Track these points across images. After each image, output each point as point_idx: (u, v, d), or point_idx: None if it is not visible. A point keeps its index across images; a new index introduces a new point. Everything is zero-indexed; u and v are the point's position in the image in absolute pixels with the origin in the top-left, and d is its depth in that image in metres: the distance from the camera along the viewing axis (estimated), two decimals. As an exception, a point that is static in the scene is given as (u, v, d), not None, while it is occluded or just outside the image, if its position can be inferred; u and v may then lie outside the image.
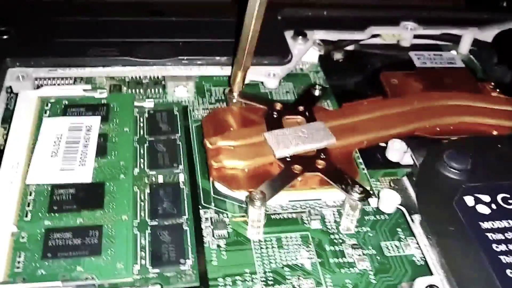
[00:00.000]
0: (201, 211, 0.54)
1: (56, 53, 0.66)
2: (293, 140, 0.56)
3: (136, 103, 0.63)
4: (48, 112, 0.60)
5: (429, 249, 0.49)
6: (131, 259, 0.47)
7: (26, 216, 0.50)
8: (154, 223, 0.51)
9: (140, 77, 0.67)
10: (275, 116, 0.60)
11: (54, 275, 0.46)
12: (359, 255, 0.52)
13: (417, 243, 0.52)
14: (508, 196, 0.50)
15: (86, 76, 0.66)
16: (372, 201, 0.55)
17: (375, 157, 0.60)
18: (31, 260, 0.47)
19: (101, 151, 0.56)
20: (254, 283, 0.48)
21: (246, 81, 0.65)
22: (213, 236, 0.52)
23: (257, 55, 0.63)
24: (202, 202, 0.55)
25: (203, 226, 0.52)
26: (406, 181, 0.55)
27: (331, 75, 0.71)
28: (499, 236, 0.48)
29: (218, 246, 0.51)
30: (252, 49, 0.58)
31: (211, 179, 0.55)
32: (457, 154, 0.52)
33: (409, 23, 0.76)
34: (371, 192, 0.54)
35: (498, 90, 0.68)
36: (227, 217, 0.54)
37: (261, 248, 0.51)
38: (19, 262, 0.46)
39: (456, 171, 0.52)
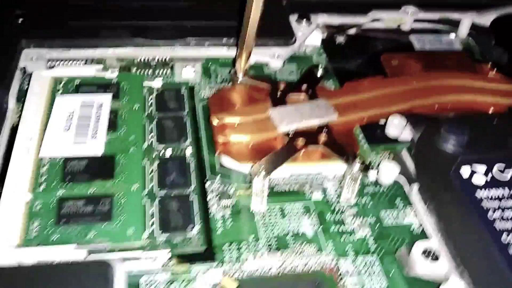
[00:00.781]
0: (207, 184, 0.56)
1: (68, 34, 0.68)
2: (296, 116, 0.58)
3: (145, 83, 0.65)
4: (60, 90, 0.62)
5: (427, 216, 0.51)
6: (140, 225, 0.49)
7: (40, 187, 0.52)
8: (162, 193, 0.53)
9: (148, 59, 0.69)
10: (279, 94, 0.62)
11: (68, 240, 0.48)
12: (359, 223, 0.53)
13: (415, 212, 0.54)
14: (502, 168, 0.52)
15: (97, 57, 0.69)
16: (372, 174, 0.57)
17: (375, 133, 0.62)
18: (45, 226, 0.49)
19: (112, 126, 0.58)
20: (259, 249, 0.50)
21: (251, 62, 0.67)
22: (218, 206, 0.54)
23: (262, 37, 0.65)
24: (208, 175, 0.57)
25: (208, 197, 0.55)
26: (405, 154, 0.57)
27: (333, 58, 0.73)
28: (494, 204, 0.50)
29: (223, 215, 0.53)
30: (254, 31, 0.59)
31: (217, 152, 0.57)
32: (454, 128, 0.54)
33: (409, 7, 0.78)
34: (371, 164, 0.55)
35: (495, 70, 0.69)
36: (232, 189, 0.56)
37: (264, 217, 0.53)
38: (33, 228, 0.48)
39: (453, 144, 0.54)
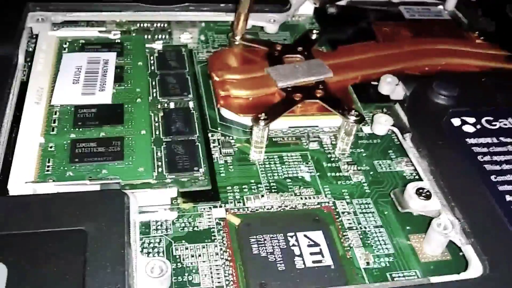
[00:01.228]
0: (209, 134, 0.59)
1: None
2: (293, 73, 0.62)
3: (146, 45, 0.68)
4: (66, 49, 0.65)
5: (419, 160, 0.54)
6: (150, 165, 0.52)
7: (53, 131, 0.54)
8: (168, 139, 0.56)
9: (147, 24, 0.73)
10: (276, 55, 0.65)
11: (81, 176, 0.51)
12: (354, 170, 0.56)
13: (409, 161, 0.58)
14: (491, 119, 0.56)
15: (100, 20, 0.72)
16: (365, 128, 0.60)
17: (368, 92, 0.65)
18: (59, 164, 0.51)
19: (119, 79, 0.61)
20: (260, 191, 0.53)
21: (248, 27, 0.70)
22: (220, 153, 0.57)
23: (259, 3, 0.70)
24: (209, 127, 0.60)
25: (211, 146, 0.58)
26: (398, 107, 0.60)
27: (325, 27, 0.76)
28: (484, 150, 0.53)
29: (226, 161, 0.56)
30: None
31: (218, 106, 0.60)
32: (445, 82, 0.58)
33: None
34: (364, 117, 0.59)
35: (482, 38, 0.73)
36: (233, 140, 0.59)
37: (265, 163, 0.56)
38: (48, 166, 0.51)
39: (444, 97, 0.58)
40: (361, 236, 0.50)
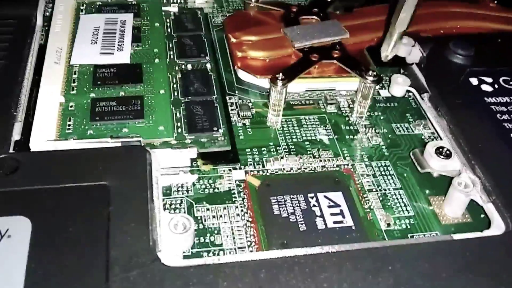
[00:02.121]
0: (226, 98, 0.59)
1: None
2: (310, 33, 0.61)
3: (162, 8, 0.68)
4: (84, 11, 0.65)
5: (438, 120, 0.55)
6: (170, 124, 0.52)
7: (73, 90, 0.54)
8: (187, 100, 0.56)
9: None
10: (291, 16, 0.65)
11: (102, 135, 0.51)
12: (372, 133, 0.56)
13: (427, 124, 0.58)
14: (509, 79, 0.56)
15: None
16: (383, 92, 0.60)
17: (383, 55, 0.64)
18: (80, 123, 0.52)
19: (136, 40, 0.61)
20: (279, 153, 0.53)
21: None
22: (238, 116, 0.57)
23: None
24: (227, 90, 0.60)
25: (229, 109, 0.58)
26: (415, 68, 0.60)
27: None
28: (502, 108, 0.53)
29: (244, 124, 0.56)
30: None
31: (235, 67, 0.60)
32: (462, 42, 0.58)
33: None
34: (382, 77, 0.59)
35: (495, 2, 0.72)
36: (250, 102, 0.58)
37: (283, 127, 0.56)
38: (69, 125, 0.51)
39: (461, 57, 0.57)
40: (381, 198, 0.50)
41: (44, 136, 0.49)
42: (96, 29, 0.60)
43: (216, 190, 0.50)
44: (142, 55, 0.59)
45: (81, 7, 0.65)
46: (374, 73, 0.56)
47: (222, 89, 0.59)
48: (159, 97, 0.54)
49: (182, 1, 0.71)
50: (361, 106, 0.58)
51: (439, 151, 0.50)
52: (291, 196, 0.49)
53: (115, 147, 0.48)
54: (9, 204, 0.41)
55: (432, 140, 0.55)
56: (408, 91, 0.60)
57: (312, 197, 0.49)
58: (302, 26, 0.62)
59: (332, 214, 0.48)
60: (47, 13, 0.66)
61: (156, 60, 0.58)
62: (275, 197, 0.49)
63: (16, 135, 0.50)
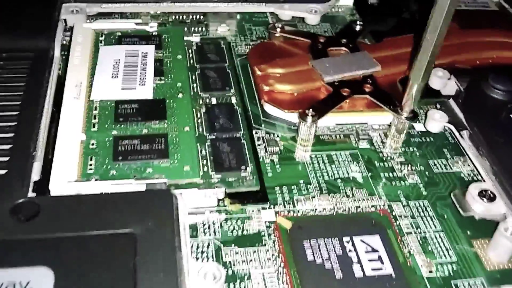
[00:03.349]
0: (253, 132, 0.56)
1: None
2: (340, 66, 0.59)
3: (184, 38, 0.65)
4: (103, 42, 0.62)
5: (480, 159, 0.52)
6: (196, 163, 0.50)
7: (94, 127, 0.52)
8: (213, 136, 0.53)
9: (183, 16, 0.71)
10: (319, 47, 0.62)
11: (126, 175, 0.48)
12: (408, 170, 0.54)
13: (466, 160, 0.55)
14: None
15: (134, 11, 0.70)
16: (417, 125, 0.57)
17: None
18: (102, 162, 0.49)
19: (159, 73, 0.59)
20: (310, 192, 0.50)
21: (287, 18, 0.68)
22: (266, 152, 0.54)
23: None
24: (253, 124, 0.57)
25: (255, 144, 0.55)
26: (452, 103, 0.57)
27: (366, 18, 0.73)
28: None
29: (272, 160, 0.54)
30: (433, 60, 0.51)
31: (262, 101, 0.57)
32: (501, 77, 0.55)
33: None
34: (418, 114, 0.56)
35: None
36: (278, 137, 0.56)
37: (313, 163, 0.54)
38: (91, 165, 0.49)
39: (502, 91, 0.54)
40: (421, 242, 0.47)
41: (65, 177, 0.47)
42: (116, 62, 0.58)
43: (245, 232, 0.47)
44: (165, 89, 0.57)
45: (100, 38, 0.62)
46: (409, 109, 0.52)
47: (248, 123, 0.56)
48: (184, 135, 0.52)
49: (203, 30, 0.69)
50: (395, 141, 0.54)
51: (482, 194, 0.47)
52: (325, 239, 0.46)
53: (140, 192, 0.46)
54: (30, 253, 0.39)
55: (473, 178, 0.53)
56: (445, 126, 0.56)
57: (348, 241, 0.46)
58: (331, 59, 0.59)
59: (370, 260, 0.45)
60: (65, 41, 0.64)
61: (180, 95, 0.55)
62: (308, 241, 0.46)
63: (35, 176, 0.47)
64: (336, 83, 0.57)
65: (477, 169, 0.53)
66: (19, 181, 0.45)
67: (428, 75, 0.51)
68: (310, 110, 0.53)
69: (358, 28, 0.66)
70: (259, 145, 0.55)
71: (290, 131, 0.57)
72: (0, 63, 0.55)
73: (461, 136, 0.54)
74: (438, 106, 0.58)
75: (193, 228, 0.47)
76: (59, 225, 0.41)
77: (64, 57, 0.61)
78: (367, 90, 0.56)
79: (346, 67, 0.58)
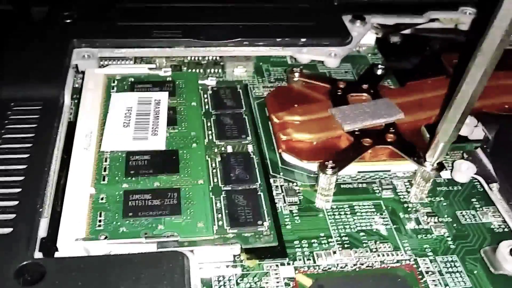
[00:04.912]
0: (271, 180, 0.54)
1: (120, 35, 0.67)
2: (361, 114, 0.56)
3: (199, 81, 0.64)
4: (115, 88, 0.61)
5: (510, 214, 0.49)
6: (210, 219, 0.47)
7: (104, 180, 0.50)
8: (228, 188, 0.51)
9: (199, 58, 0.69)
10: (339, 93, 0.60)
11: (136, 233, 0.46)
12: (435, 222, 0.51)
13: (496, 211, 0.52)
14: None
15: (151, 56, 0.68)
16: (444, 173, 0.54)
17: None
18: (112, 219, 0.47)
19: (172, 122, 0.57)
20: (331, 246, 0.48)
21: (306, 62, 0.66)
22: (284, 202, 0.52)
23: (318, 36, 0.67)
24: (270, 172, 0.55)
25: (273, 193, 0.53)
26: (480, 152, 0.55)
27: (388, 57, 0.71)
28: None
29: (291, 211, 0.51)
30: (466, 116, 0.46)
31: (279, 150, 0.55)
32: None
33: (467, 8, 0.76)
34: (444, 164, 0.53)
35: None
36: (297, 186, 0.54)
37: (334, 214, 0.51)
38: (100, 221, 0.46)
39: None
40: (450, 300, 0.43)
41: (73, 234, 0.45)
42: (128, 110, 0.55)
43: (262, 290, 0.43)
44: (178, 139, 0.54)
45: (112, 84, 0.60)
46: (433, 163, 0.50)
47: (265, 170, 0.54)
48: (197, 188, 0.49)
49: (219, 72, 0.68)
50: (420, 190, 0.51)
51: (514, 252, 0.44)
52: (348, 300, 0.42)
53: (149, 253, 0.43)
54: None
55: (503, 230, 0.50)
56: (473, 178, 0.53)
57: (372, 301, 0.42)
58: (351, 106, 0.57)
59: (396, 323, 0.41)
60: (76, 84, 0.63)
61: (194, 145, 0.53)
62: (330, 301, 0.42)
63: (42, 233, 0.46)
64: (357, 132, 0.54)
65: (508, 225, 0.50)
66: (24, 241, 0.43)
67: (458, 132, 0.47)
68: (330, 162, 0.50)
69: (380, 72, 0.63)
70: (277, 194, 0.53)
71: (310, 179, 0.54)
72: (8, 113, 0.52)
73: (490, 189, 0.50)
74: (465, 155, 0.55)
75: (208, 286, 0.45)
76: (64, 289, 0.38)
77: (76, 100, 0.60)
78: (389, 140, 0.54)
79: (368, 115, 0.56)
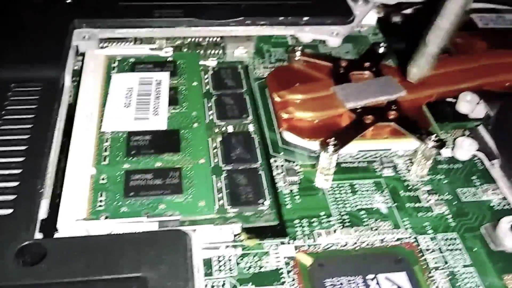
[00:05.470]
0: (271, 160, 0.54)
1: (121, 15, 0.67)
2: (363, 92, 0.56)
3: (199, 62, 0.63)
4: (115, 69, 0.60)
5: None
6: (211, 199, 0.47)
7: (104, 161, 0.50)
8: (229, 167, 0.51)
9: (199, 39, 0.69)
10: (341, 71, 0.60)
11: (137, 213, 0.46)
12: (435, 200, 0.51)
13: (496, 189, 0.52)
14: None
15: (152, 36, 0.67)
16: (444, 151, 0.54)
17: (444, 111, 0.59)
18: (113, 199, 0.47)
19: (173, 102, 0.57)
20: (331, 225, 0.48)
21: (308, 40, 0.66)
22: (284, 182, 0.52)
23: (321, 15, 0.67)
24: (271, 151, 0.55)
25: (274, 173, 0.53)
26: (482, 130, 0.55)
27: (390, 37, 0.70)
28: None
29: (291, 191, 0.51)
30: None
31: (281, 129, 0.55)
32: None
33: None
34: (445, 141, 0.53)
35: None
36: (297, 165, 0.54)
37: (335, 193, 0.51)
38: (101, 201, 0.47)
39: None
40: (450, 277, 0.45)
41: (73, 215, 0.45)
42: (129, 90, 0.55)
43: (262, 269, 0.45)
44: (179, 119, 0.54)
45: (113, 64, 0.60)
46: (437, 138, 0.50)
47: (265, 150, 0.54)
48: (199, 168, 0.49)
49: (220, 53, 0.67)
50: (421, 168, 0.51)
51: (514, 228, 0.44)
52: (348, 278, 0.44)
53: (151, 232, 0.43)
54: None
55: (503, 208, 0.50)
56: (474, 155, 0.53)
57: (372, 279, 0.44)
58: (353, 84, 0.57)
59: (396, 300, 0.41)
60: (76, 67, 0.62)
61: (195, 125, 0.53)
62: (330, 279, 0.44)
63: (42, 214, 0.45)
64: (358, 110, 0.54)
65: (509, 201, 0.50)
66: (25, 222, 0.43)
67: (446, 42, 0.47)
68: (332, 139, 0.50)
69: (381, 50, 0.62)
70: (277, 174, 0.52)
71: (310, 159, 0.54)
72: (9, 94, 0.52)
73: (492, 165, 0.50)
74: (467, 132, 0.55)
75: (208, 265, 0.44)
76: (66, 269, 0.39)
77: (76, 83, 0.59)
78: (391, 117, 0.54)
79: (369, 92, 0.55)
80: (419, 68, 0.51)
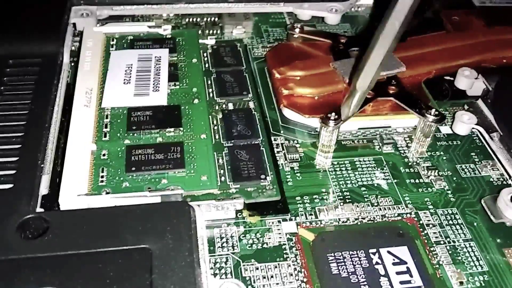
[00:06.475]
0: (271, 138, 0.54)
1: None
2: (362, 67, 0.56)
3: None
4: (114, 46, 0.60)
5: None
6: (214, 173, 0.47)
7: (105, 137, 0.50)
8: (230, 144, 0.51)
9: (197, 19, 0.69)
10: (340, 48, 0.60)
11: (139, 187, 0.46)
12: (435, 176, 0.51)
13: (495, 164, 0.53)
14: None
15: (146, 14, 0.67)
16: (443, 128, 0.55)
17: (442, 88, 0.59)
18: (114, 174, 0.47)
19: (173, 78, 0.56)
20: (332, 202, 0.49)
21: (306, 18, 0.65)
22: (285, 159, 0.52)
23: None
24: (271, 130, 0.55)
25: (274, 151, 0.53)
26: (481, 104, 0.55)
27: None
28: None
29: (292, 168, 0.51)
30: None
31: (281, 106, 0.55)
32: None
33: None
34: (445, 116, 0.53)
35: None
36: (297, 143, 0.54)
37: (335, 170, 0.51)
38: (102, 177, 0.46)
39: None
40: (450, 252, 0.45)
41: (75, 190, 0.45)
42: (128, 67, 0.55)
43: (265, 246, 0.45)
44: (179, 95, 0.54)
45: (112, 42, 0.60)
46: (436, 112, 0.50)
47: (266, 129, 0.54)
48: (200, 143, 0.49)
49: (218, 32, 0.67)
50: (420, 145, 0.51)
51: (514, 199, 0.44)
52: (351, 252, 0.44)
53: (155, 204, 0.43)
54: (39, 273, 0.37)
55: (502, 182, 0.50)
56: (473, 129, 0.53)
57: (374, 253, 0.44)
58: (353, 60, 0.57)
59: (398, 273, 0.43)
60: (73, 47, 0.62)
61: (196, 101, 0.53)
62: (332, 254, 0.44)
63: (43, 189, 0.45)
64: (358, 86, 0.54)
65: (507, 173, 0.51)
66: (26, 196, 0.43)
67: (373, 83, 0.46)
68: (333, 113, 0.49)
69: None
70: (278, 152, 0.52)
71: (311, 137, 0.54)
72: (7, 70, 0.52)
73: (491, 139, 0.50)
74: (466, 107, 0.55)
75: (210, 243, 0.44)
76: (69, 242, 0.39)
77: (73, 63, 0.59)
78: (391, 92, 0.54)
79: (369, 68, 0.55)
80: (349, 109, 0.51)
